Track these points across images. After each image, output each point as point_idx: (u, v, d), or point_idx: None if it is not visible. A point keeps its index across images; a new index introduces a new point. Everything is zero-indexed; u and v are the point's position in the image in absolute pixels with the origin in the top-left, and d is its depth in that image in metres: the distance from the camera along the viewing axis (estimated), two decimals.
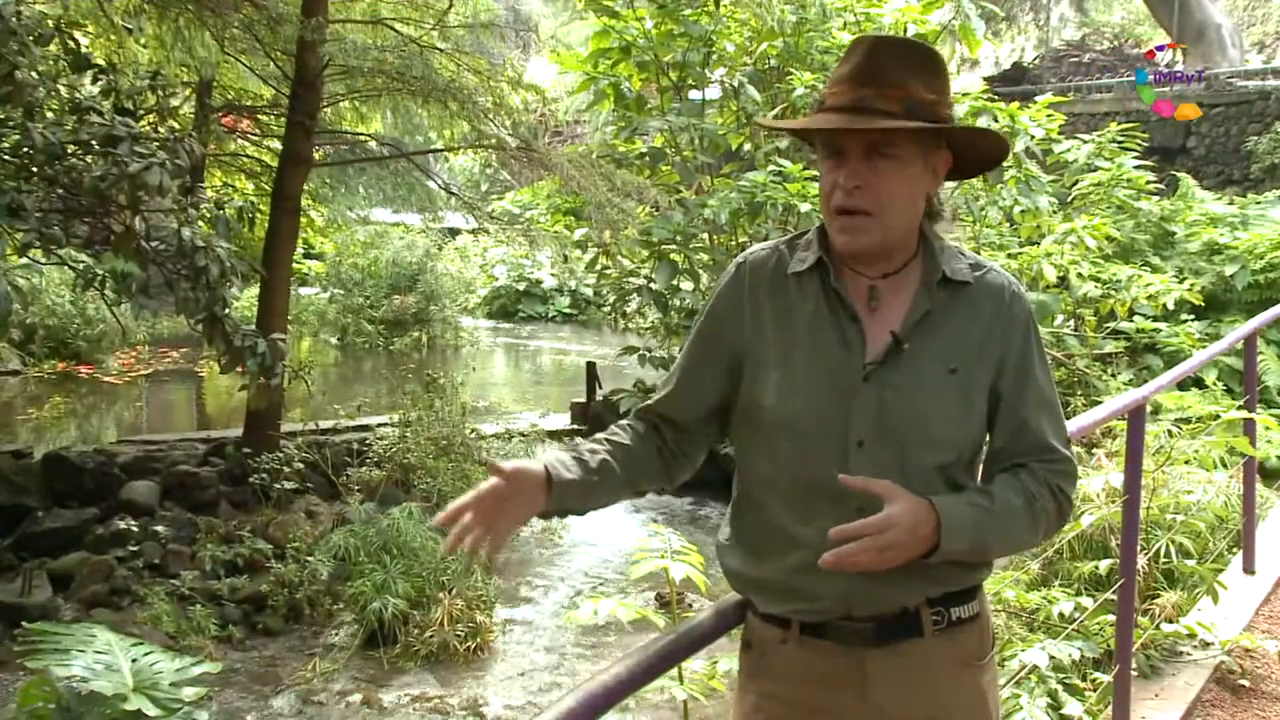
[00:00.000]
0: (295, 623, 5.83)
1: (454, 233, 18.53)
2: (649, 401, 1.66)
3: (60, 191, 5.42)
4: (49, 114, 5.07)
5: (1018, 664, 3.10)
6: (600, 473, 1.51)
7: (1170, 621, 3.69)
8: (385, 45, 7.75)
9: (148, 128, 5.64)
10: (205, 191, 6.87)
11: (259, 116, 10.50)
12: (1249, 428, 4.54)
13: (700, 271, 8.26)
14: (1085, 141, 9.07)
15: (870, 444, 1.45)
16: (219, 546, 6.18)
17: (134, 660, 3.61)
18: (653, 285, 8.09)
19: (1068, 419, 1.68)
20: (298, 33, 6.73)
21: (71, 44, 5.22)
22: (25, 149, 4.84)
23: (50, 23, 5.08)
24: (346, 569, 5.89)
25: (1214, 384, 7.30)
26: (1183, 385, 7.02)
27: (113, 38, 8.18)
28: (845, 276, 1.53)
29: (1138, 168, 9.23)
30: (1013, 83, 20.19)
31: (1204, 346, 7.47)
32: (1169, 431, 4.61)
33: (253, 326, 6.10)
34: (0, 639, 5.29)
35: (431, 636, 5.42)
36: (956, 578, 1.51)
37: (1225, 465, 4.97)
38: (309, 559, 5.99)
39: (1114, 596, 3.09)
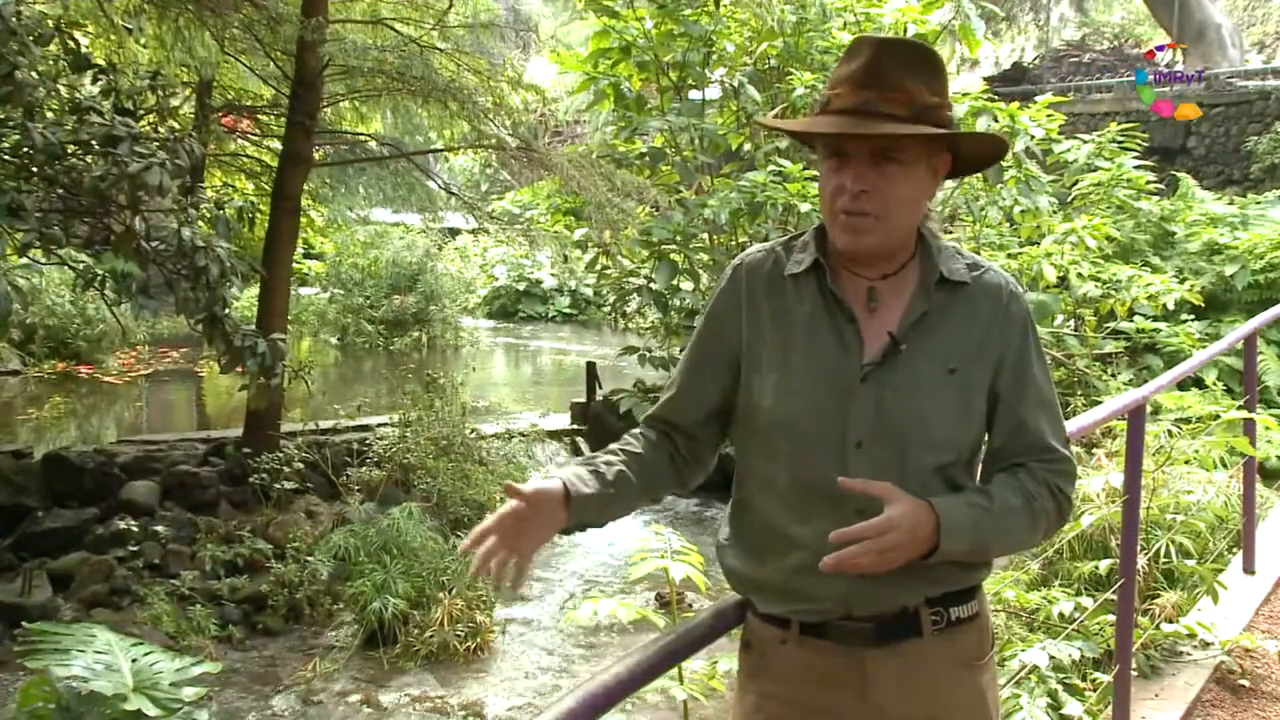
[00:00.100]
0: (295, 623, 5.83)
1: (454, 233, 18.53)
2: (654, 409, 1.67)
3: (60, 191, 5.42)
4: (49, 114, 5.07)
5: (1018, 664, 3.10)
6: (616, 484, 1.53)
7: (1170, 621, 3.69)
8: (385, 45, 7.74)
9: (148, 128, 5.64)
10: (205, 191, 6.88)
11: (259, 116, 10.50)
12: (1249, 428, 4.54)
13: (700, 271, 8.26)
14: (1085, 141, 9.07)
15: (869, 445, 1.45)
16: (219, 546, 6.18)
17: (134, 660, 3.61)
18: (653, 285, 8.09)
19: (1068, 419, 1.68)
20: (298, 33, 6.73)
21: (71, 44, 5.22)
22: (25, 149, 4.84)
23: (50, 23, 5.08)
24: (346, 569, 5.89)
25: (1214, 384, 7.30)
26: (1183, 385, 7.02)
27: (113, 38, 8.18)
28: (843, 278, 1.53)
29: (1138, 168, 9.22)
30: (1013, 83, 20.19)
31: (1204, 346, 7.47)
32: (1169, 431, 4.61)
33: (253, 326, 6.10)
34: (0, 639, 5.29)
35: (431, 636, 5.42)
36: (956, 578, 1.51)
37: (1225, 465, 4.97)
38: (309, 559, 5.99)
39: (1114, 596, 3.09)
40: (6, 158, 4.96)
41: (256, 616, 5.83)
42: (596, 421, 9.11)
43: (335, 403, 8.65)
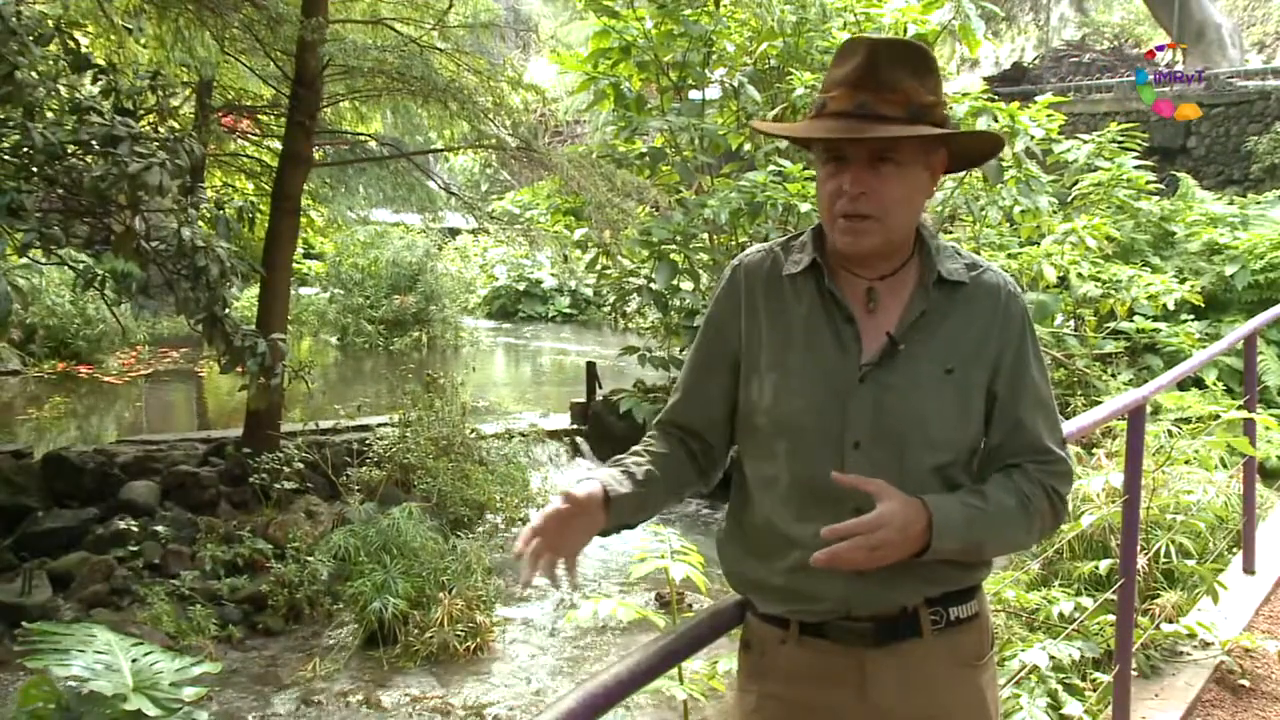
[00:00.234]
0: (295, 623, 5.83)
1: (454, 233, 18.54)
2: (664, 414, 1.67)
3: (60, 191, 5.43)
4: (49, 114, 5.07)
5: (1018, 664, 3.10)
6: (648, 484, 1.54)
7: (1170, 621, 3.68)
8: (385, 45, 7.74)
9: (148, 128, 5.63)
10: (205, 191, 6.88)
11: (259, 116, 10.51)
12: (1249, 428, 4.54)
13: (700, 271, 8.26)
14: (1085, 141, 9.06)
15: (867, 445, 1.45)
16: (219, 546, 6.18)
17: (134, 660, 3.60)
18: (653, 285, 8.09)
19: (1067, 419, 1.68)
20: (298, 33, 6.73)
21: (71, 44, 5.22)
22: (25, 149, 4.84)
23: (50, 23, 5.08)
24: (346, 569, 5.89)
25: (1214, 384, 7.30)
26: (1183, 385, 7.01)
27: (113, 38, 8.18)
28: (841, 278, 1.53)
29: (1138, 168, 9.21)
30: (1013, 83, 20.18)
31: (1204, 346, 7.47)
32: (1169, 431, 4.60)
33: (253, 326, 6.10)
34: (0, 639, 5.29)
35: (431, 636, 5.42)
36: (955, 578, 1.51)
37: (1225, 465, 4.97)
38: (309, 559, 5.99)
39: (1114, 596, 3.09)
40: (6, 158, 4.96)
41: (256, 616, 5.83)
42: (596, 421, 9.11)
43: (335, 403, 8.65)
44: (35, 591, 5.67)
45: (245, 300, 12.17)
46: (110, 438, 8.36)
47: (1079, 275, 8.01)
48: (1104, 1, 27.54)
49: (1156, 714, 3.24)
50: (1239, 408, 4.71)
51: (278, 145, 8.54)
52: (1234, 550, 4.50)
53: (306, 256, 16.81)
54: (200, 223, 5.62)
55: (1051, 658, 3.11)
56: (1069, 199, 9.25)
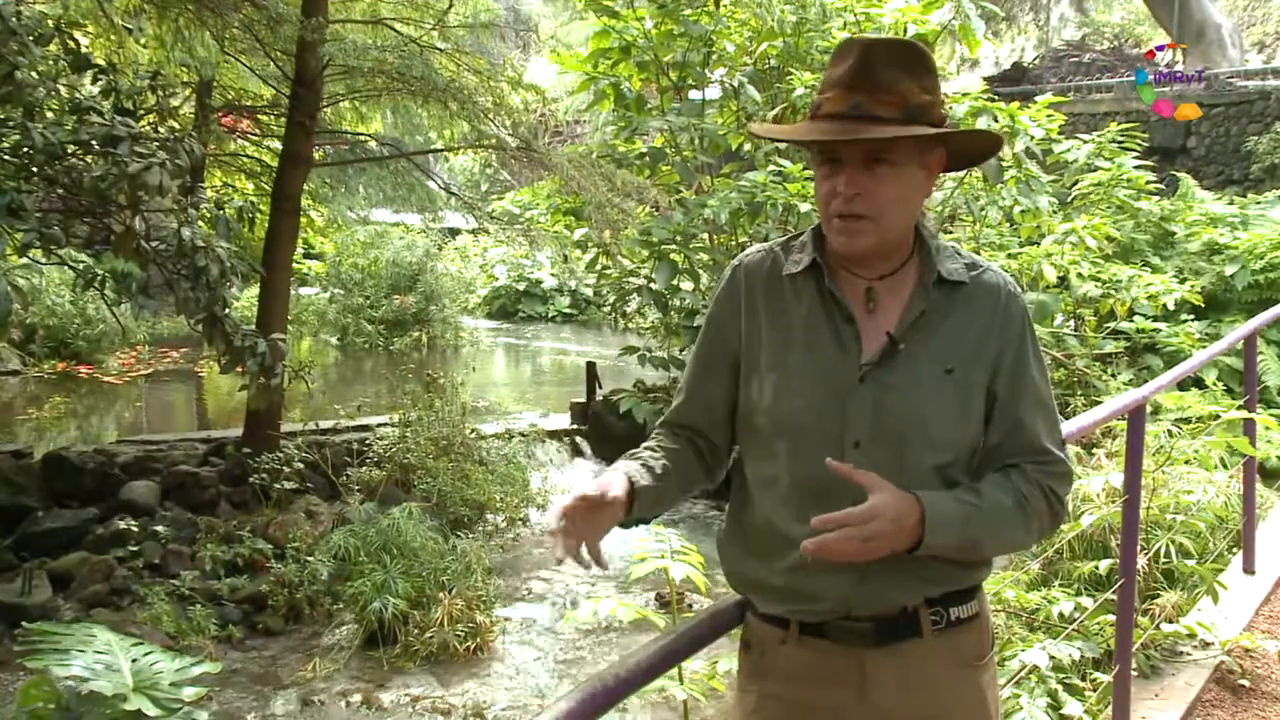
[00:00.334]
0: (295, 623, 5.83)
1: (454, 233, 18.55)
2: (668, 414, 1.68)
3: (60, 191, 5.42)
4: (49, 114, 5.07)
5: (1018, 664, 3.10)
6: (665, 477, 1.55)
7: (1170, 621, 3.68)
8: (385, 45, 7.74)
9: (148, 128, 5.63)
10: (205, 191, 6.88)
11: (259, 116, 10.51)
12: (1249, 428, 4.54)
13: (700, 271, 8.26)
14: (1085, 141, 9.06)
15: (867, 444, 1.45)
16: (219, 546, 6.18)
17: (134, 660, 3.60)
18: (653, 285, 8.09)
19: (1067, 419, 1.68)
20: (298, 33, 6.73)
21: (71, 44, 5.22)
22: (25, 149, 4.84)
23: (50, 23, 5.08)
24: (346, 569, 5.89)
25: (1214, 384, 7.30)
26: (1183, 385, 7.01)
27: (113, 38, 8.18)
28: (841, 278, 1.53)
29: (1138, 168, 9.21)
30: (1013, 83, 20.18)
31: (1204, 346, 7.47)
32: (1169, 431, 4.60)
33: (253, 326, 6.10)
34: (0, 639, 5.29)
35: (431, 636, 5.42)
36: (955, 578, 1.51)
37: (1225, 465, 4.97)
38: (309, 559, 5.99)
39: (1114, 596, 3.09)
40: (6, 158, 4.96)
41: (256, 616, 5.83)
42: (596, 421, 9.11)
43: (335, 403, 8.65)
44: (35, 591, 5.67)
45: (245, 300, 12.17)
46: (110, 438, 8.36)
47: (1079, 275, 8.01)
48: (1104, 1, 27.54)
49: (1156, 714, 3.24)
50: (1239, 408, 4.71)
51: (278, 145, 8.54)
52: (1234, 550, 4.50)
53: (306, 256, 16.81)
54: (200, 223, 5.62)
55: (1051, 658, 3.11)
56: (1069, 199, 9.25)
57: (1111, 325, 8.54)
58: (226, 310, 5.43)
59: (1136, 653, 3.31)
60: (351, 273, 15.14)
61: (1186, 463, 4.55)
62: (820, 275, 1.53)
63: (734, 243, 8.22)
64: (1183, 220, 9.99)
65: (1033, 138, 7.42)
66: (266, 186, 9.08)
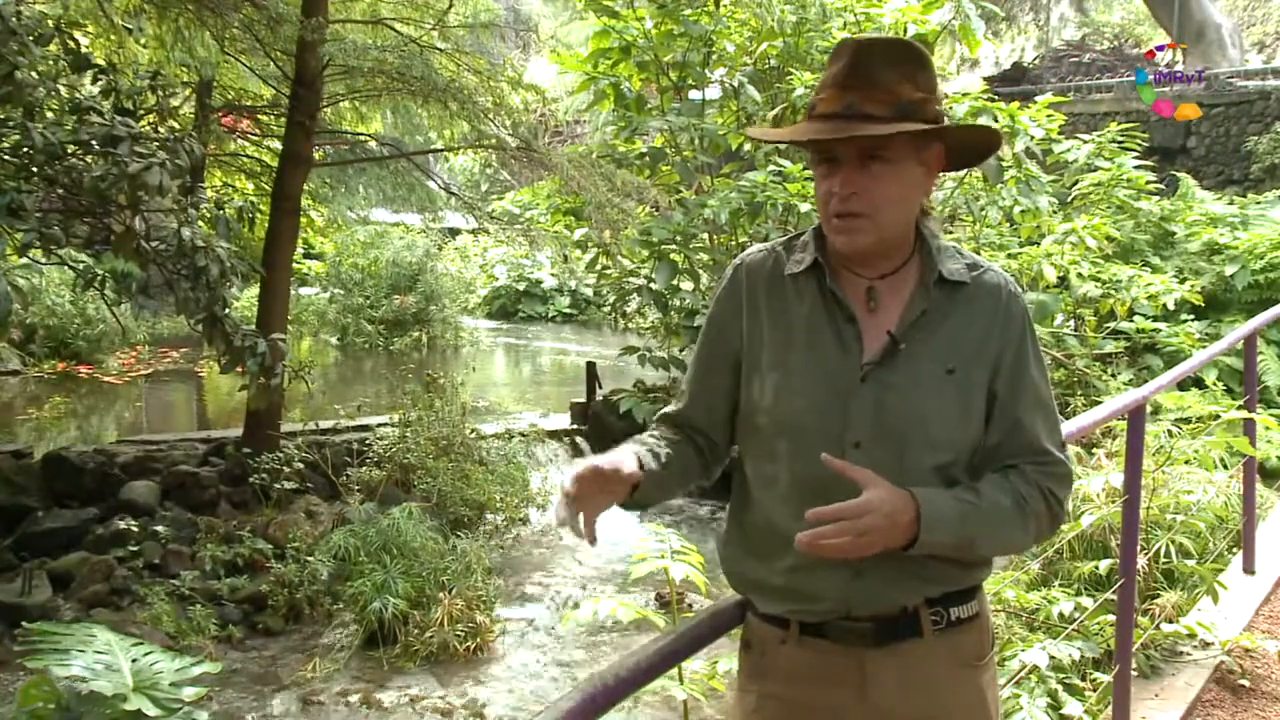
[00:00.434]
0: (295, 623, 5.83)
1: (454, 233, 18.55)
2: (670, 409, 1.67)
3: (60, 191, 5.43)
4: (49, 114, 5.07)
5: (1018, 664, 3.10)
6: (668, 466, 1.55)
7: (1170, 621, 3.68)
8: (385, 45, 7.74)
9: (148, 128, 5.63)
10: (205, 191, 6.88)
11: (259, 116, 10.51)
12: (1249, 428, 4.54)
13: (700, 271, 8.26)
14: (1085, 141, 9.06)
15: (868, 444, 1.45)
16: (219, 546, 6.18)
17: (134, 660, 3.60)
18: (653, 285, 8.09)
19: (1067, 419, 1.68)
20: (298, 33, 6.73)
21: (71, 44, 5.22)
22: (25, 149, 4.84)
23: (50, 23, 5.08)
24: (346, 569, 5.89)
25: (1214, 384, 7.30)
26: (1183, 385, 7.01)
27: (113, 38, 8.18)
28: (842, 277, 1.53)
29: (1138, 168, 9.22)
30: (1013, 83, 20.19)
31: (1204, 346, 7.47)
32: (1169, 431, 4.60)
33: (253, 326, 6.10)
34: (0, 639, 5.29)
35: (431, 637, 5.42)
36: (955, 578, 1.51)
37: (1225, 465, 4.96)
38: (309, 559, 5.99)
39: (1114, 596, 3.09)
40: (6, 158, 4.96)
41: (256, 616, 5.83)
42: (596, 421, 9.11)
43: (335, 403, 8.65)
44: (35, 591, 5.67)
45: (245, 300, 12.17)
46: (110, 438, 8.37)
47: (1079, 275, 8.01)
48: (1104, 1, 27.55)
49: (1156, 714, 3.24)
50: (1239, 408, 4.71)
51: (278, 145, 8.54)
52: (1234, 550, 4.50)
53: (306, 256, 16.82)
54: (200, 223, 5.62)
55: (1051, 658, 3.11)
56: (1069, 199, 9.26)
57: (1111, 325, 8.54)
58: (226, 310, 5.43)
59: (1136, 653, 3.31)
60: (351, 273, 15.14)
61: (1186, 463, 4.55)
62: (822, 275, 1.53)
63: (734, 243, 8.23)
64: (1183, 220, 9.99)
65: (1033, 138, 7.43)
66: (266, 186, 9.08)
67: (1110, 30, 25.85)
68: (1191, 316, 8.64)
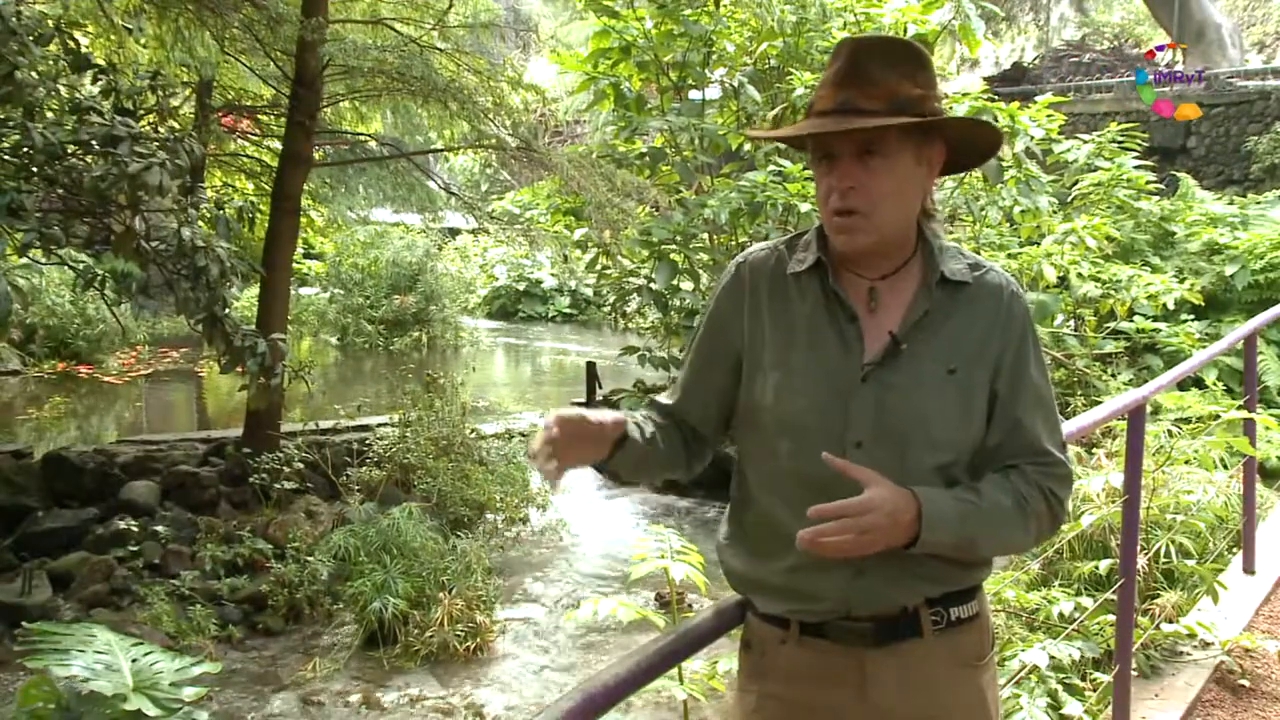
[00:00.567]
0: (295, 623, 5.83)
1: (454, 233, 18.56)
2: (662, 399, 1.67)
3: (60, 191, 5.43)
4: (49, 114, 5.07)
5: (1018, 664, 3.10)
6: (652, 445, 1.56)
7: (1170, 621, 3.68)
8: (385, 45, 7.74)
9: (148, 128, 5.63)
10: (205, 191, 6.88)
11: (259, 116, 10.52)
12: (1249, 428, 4.54)
13: (700, 271, 8.27)
14: (1085, 141, 9.06)
15: (869, 444, 1.45)
16: (219, 546, 6.18)
17: (134, 660, 3.60)
18: (653, 285, 8.09)
19: (1067, 419, 1.68)
20: (298, 33, 6.74)
21: (71, 44, 5.22)
22: (25, 149, 4.84)
23: (50, 23, 5.08)
24: (346, 569, 5.89)
25: (1214, 384, 7.30)
26: (1183, 385, 7.01)
27: (113, 38, 8.19)
28: (844, 278, 1.53)
29: (1138, 168, 9.22)
30: (1013, 83, 20.19)
31: (1204, 346, 7.47)
32: (1169, 431, 4.60)
33: (253, 326, 6.10)
34: (0, 639, 5.29)
35: (431, 636, 5.42)
36: (956, 578, 1.51)
37: (1225, 465, 4.97)
38: (309, 559, 5.99)
39: (1114, 596, 3.09)
40: (6, 158, 4.96)
41: (256, 616, 5.83)
42: None
43: (335, 403, 8.65)
44: (35, 591, 5.67)
45: (245, 300, 12.18)
46: (110, 438, 8.37)
47: (1079, 275, 8.01)
48: (1104, 1, 27.55)
49: (1156, 714, 3.24)
50: (1239, 408, 4.71)
51: (278, 145, 8.54)
52: (1234, 550, 4.50)
53: (306, 256, 16.83)
54: (200, 223, 5.62)
55: (1051, 658, 3.11)
56: (1069, 199, 9.26)
57: (1111, 325, 8.54)
58: (226, 310, 5.43)
59: (1136, 653, 3.32)
60: (351, 273, 15.14)
61: (1186, 463, 4.55)
62: (824, 274, 1.53)
63: (734, 243, 8.23)
64: (1183, 220, 9.99)
65: (1033, 138, 7.43)
66: (266, 186, 9.09)
67: (1110, 30, 25.86)
68: (1191, 316, 8.64)
